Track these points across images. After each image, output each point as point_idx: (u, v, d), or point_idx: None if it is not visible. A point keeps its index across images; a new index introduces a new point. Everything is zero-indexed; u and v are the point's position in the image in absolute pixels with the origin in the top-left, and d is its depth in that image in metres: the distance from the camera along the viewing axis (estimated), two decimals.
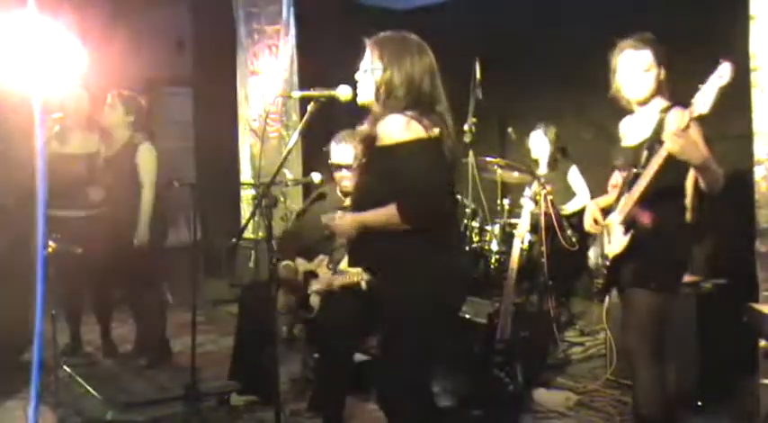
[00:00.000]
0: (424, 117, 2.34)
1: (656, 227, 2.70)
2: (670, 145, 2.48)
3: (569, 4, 5.67)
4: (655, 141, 2.68)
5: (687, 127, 2.45)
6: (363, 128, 2.49)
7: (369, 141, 2.43)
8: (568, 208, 5.10)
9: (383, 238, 2.39)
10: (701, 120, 2.57)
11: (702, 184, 2.62)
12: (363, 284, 2.85)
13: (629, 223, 2.73)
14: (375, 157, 2.41)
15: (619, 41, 2.84)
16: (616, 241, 2.78)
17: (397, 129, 2.31)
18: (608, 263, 2.82)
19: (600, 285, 2.90)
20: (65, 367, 3.89)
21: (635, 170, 2.72)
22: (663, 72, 2.76)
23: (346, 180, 3.59)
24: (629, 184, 2.75)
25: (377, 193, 2.40)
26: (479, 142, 5.01)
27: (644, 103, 2.81)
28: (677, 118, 2.58)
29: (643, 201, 2.68)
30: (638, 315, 2.76)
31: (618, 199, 2.83)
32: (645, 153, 2.70)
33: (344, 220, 2.49)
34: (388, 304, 2.44)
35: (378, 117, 2.41)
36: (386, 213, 2.34)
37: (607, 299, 3.69)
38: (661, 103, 2.77)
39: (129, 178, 4.33)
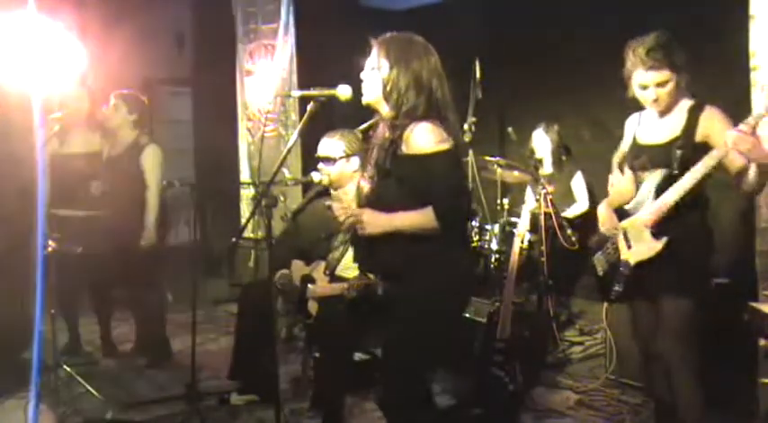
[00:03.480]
0: (444, 126, 2.39)
1: (692, 231, 2.65)
2: (734, 143, 2.41)
3: (570, 4, 5.67)
4: (687, 142, 2.60)
5: (756, 126, 2.40)
6: (364, 128, 2.49)
7: (388, 147, 2.43)
8: (565, 215, 5.05)
9: (397, 243, 2.41)
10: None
11: (751, 185, 2.52)
12: (379, 290, 2.82)
13: (663, 228, 2.64)
14: (402, 164, 2.41)
15: (633, 44, 2.69)
16: (644, 246, 2.69)
17: (431, 138, 2.35)
18: (627, 269, 2.75)
19: (618, 292, 2.80)
20: (65, 367, 3.88)
21: (667, 171, 2.65)
22: (682, 77, 2.66)
23: (326, 174, 3.58)
24: (659, 186, 2.66)
25: (399, 197, 2.42)
26: (479, 141, 5.00)
27: (664, 112, 2.74)
28: (714, 120, 2.55)
29: (679, 204, 2.60)
30: (678, 321, 2.69)
31: (633, 200, 2.77)
32: (678, 153, 2.62)
33: (375, 217, 2.45)
34: (399, 306, 2.44)
35: (394, 123, 2.42)
36: (422, 216, 2.38)
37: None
38: (687, 102, 2.69)
39: (134, 178, 4.33)
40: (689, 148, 2.60)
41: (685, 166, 2.60)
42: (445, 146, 2.37)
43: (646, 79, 2.67)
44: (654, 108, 2.74)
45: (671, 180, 2.63)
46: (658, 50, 2.61)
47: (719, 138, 2.54)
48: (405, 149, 2.39)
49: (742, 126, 2.44)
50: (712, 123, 2.59)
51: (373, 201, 2.52)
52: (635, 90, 2.75)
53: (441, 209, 2.36)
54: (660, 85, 2.65)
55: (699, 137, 2.61)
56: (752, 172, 2.49)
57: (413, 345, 2.45)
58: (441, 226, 2.36)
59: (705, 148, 2.59)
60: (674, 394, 2.76)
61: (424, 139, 2.36)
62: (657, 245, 2.66)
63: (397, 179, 2.44)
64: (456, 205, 2.40)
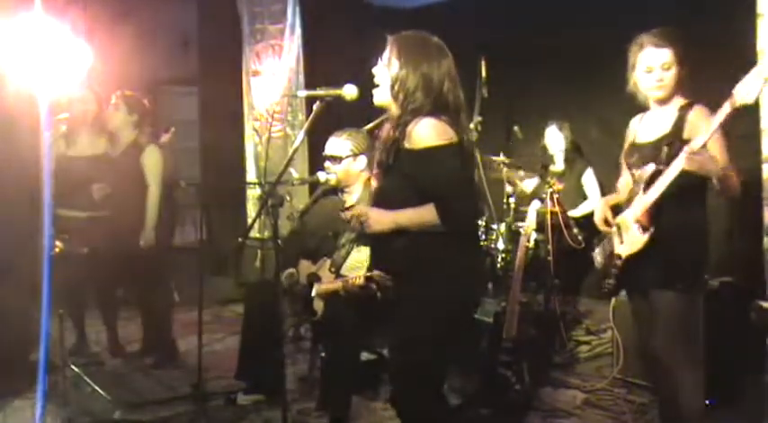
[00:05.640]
0: (454, 123, 2.37)
1: (680, 225, 2.64)
2: (687, 164, 2.45)
3: (576, 3, 5.66)
4: (675, 139, 2.62)
5: (725, 123, 2.40)
6: (371, 127, 2.48)
7: (392, 144, 2.42)
8: (575, 213, 5.04)
9: (408, 240, 2.40)
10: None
11: (722, 193, 2.55)
12: (378, 293, 2.80)
13: (649, 222, 2.65)
14: (404, 159, 2.40)
15: (638, 36, 2.75)
16: (631, 241, 2.71)
17: (433, 133, 2.32)
18: (619, 263, 2.75)
19: (610, 285, 2.82)
20: (72, 367, 3.89)
21: (655, 167, 2.65)
22: (684, 70, 2.69)
23: (333, 173, 3.59)
24: (647, 181, 2.67)
25: (404, 194, 2.40)
26: (485, 140, 5.00)
27: (663, 101, 2.74)
28: (700, 118, 2.57)
29: (664, 199, 2.61)
30: (670, 318, 2.66)
31: (630, 197, 2.78)
32: (665, 150, 2.64)
33: (379, 215, 2.45)
34: (409, 305, 2.43)
35: (399, 120, 2.40)
36: (424, 213, 2.36)
37: (613, 298, 3.68)
38: (680, 100, 2.72)
39: (135, 178, 4.34)
40: (676, 144, 2.60)
41: (672, 163, 2.59)
42: (447, 141, 2.33)
43: (651, 58, 2.69)
44: (657, 94, 2.72)
45: (659, 176, 2.63)
46: (666, 32, 2.69)
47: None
48: (407, 145, 2.37)
49: (686, 149, 2.48)
50: (698, 122, 2.60)
51: (380, 198, 2.52)
52: (639, 79, 2.76)
53: (443, 206, 2.33)
54: (665, 67, 2.68)
55: (686, 134, 2.62)
56: (715, 183, 2.52)
57: (420, 343, 2.44)
58: (444, 223, 2.33)
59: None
60: (676, 392, 2.72)
61: (426, 133, 2.32)
62: (642, 238, 2.66)
63: (400, 175, 2.43)
64: (459, 202, 2.35)
